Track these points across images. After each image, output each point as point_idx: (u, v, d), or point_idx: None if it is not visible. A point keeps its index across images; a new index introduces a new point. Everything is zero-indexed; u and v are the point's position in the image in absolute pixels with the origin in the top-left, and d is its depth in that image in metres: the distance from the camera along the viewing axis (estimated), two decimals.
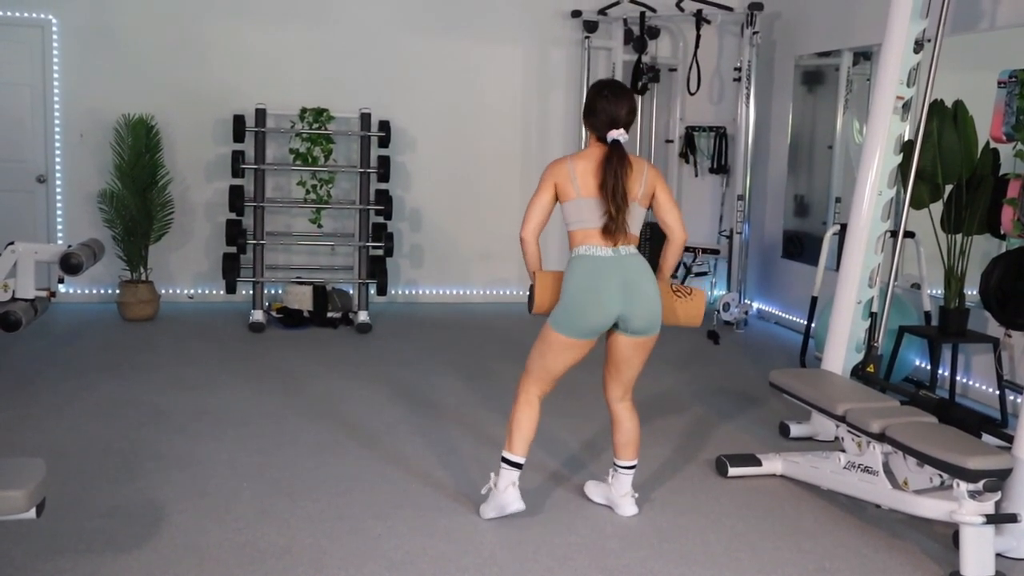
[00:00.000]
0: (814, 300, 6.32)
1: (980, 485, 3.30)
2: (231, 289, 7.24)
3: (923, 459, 3.48)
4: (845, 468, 3.90)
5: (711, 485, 4.25)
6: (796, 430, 4.90)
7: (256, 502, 3.87)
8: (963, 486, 3.33)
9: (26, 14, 7.39)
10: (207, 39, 7.73)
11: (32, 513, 2.75)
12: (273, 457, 4.40)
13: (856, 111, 7.37)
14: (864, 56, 7.32)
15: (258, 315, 7.11)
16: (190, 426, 4.80)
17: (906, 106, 4.82)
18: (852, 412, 3.85)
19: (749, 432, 5.02)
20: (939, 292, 5.61)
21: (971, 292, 5.37)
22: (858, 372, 4.88)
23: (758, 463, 4.32)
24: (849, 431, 3.91)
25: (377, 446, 4.60)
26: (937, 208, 5.37)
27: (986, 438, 4.23)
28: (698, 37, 7.91)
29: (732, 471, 4.30)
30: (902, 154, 4.88)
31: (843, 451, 4.01)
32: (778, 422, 5.08)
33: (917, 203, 5.23)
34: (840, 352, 4.85)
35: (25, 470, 2.79)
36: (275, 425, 4.86)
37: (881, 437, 3.67)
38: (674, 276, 8.64)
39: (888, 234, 5.02)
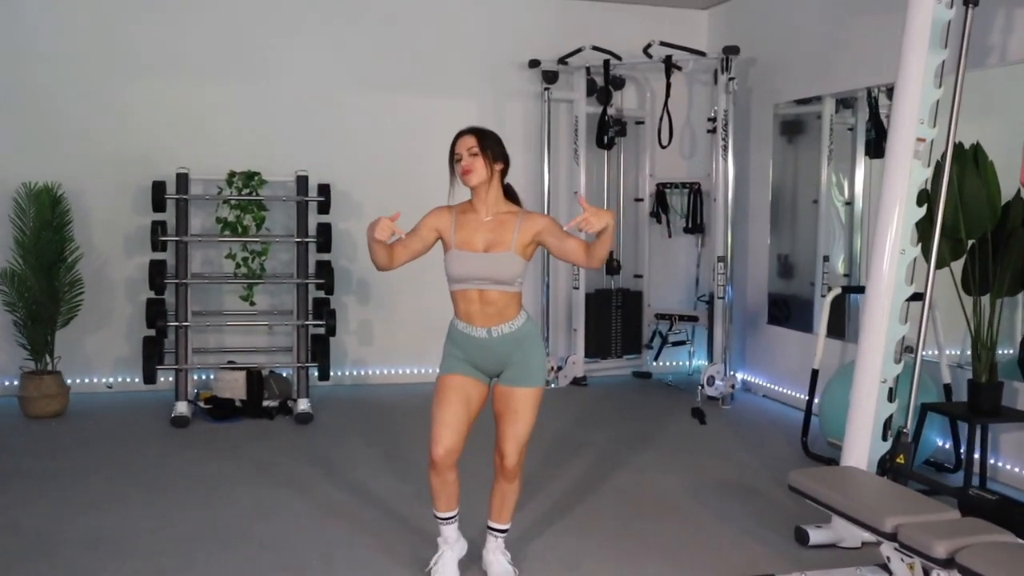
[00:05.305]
0: (815, 373, 5.57)
1: None
2: (149, 379, 6.32)
3: None
4: None
5: None
6: (816, 536, 4.09)
7: None
8: None
9: None
10: (123, 96, 6.93)
11: None
12: None
13: (838, 165, 6.75)
14: (843, 104, 6.72)
15: (182, 407, 6.20)
16: (77, 560, 3.87)
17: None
18: (906, 529, 3.06)
19: (758, 538, 4.20)
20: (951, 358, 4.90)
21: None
22: (886, 465, 4.11)
23: None
24: (900, 551, 3.11)
25: None
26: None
27: None
28: (668, 85, 7.26)
29: None
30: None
31: (888, 573, 3.21)
32: (789, 522, 4.28)
33: (938, 261, 4.52)
34: (864, 442, 4.08)
35: None
36: (183, 555, 3.95)
37: (950, 563, 2.88)
38: (649, 346, 7.97)
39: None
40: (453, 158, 3.52)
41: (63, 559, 3.89)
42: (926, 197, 4.19)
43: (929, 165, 4.14)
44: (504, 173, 3.56)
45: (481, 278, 3.45)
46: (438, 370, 3.61)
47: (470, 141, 3.49)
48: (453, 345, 3.58)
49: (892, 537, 3.11)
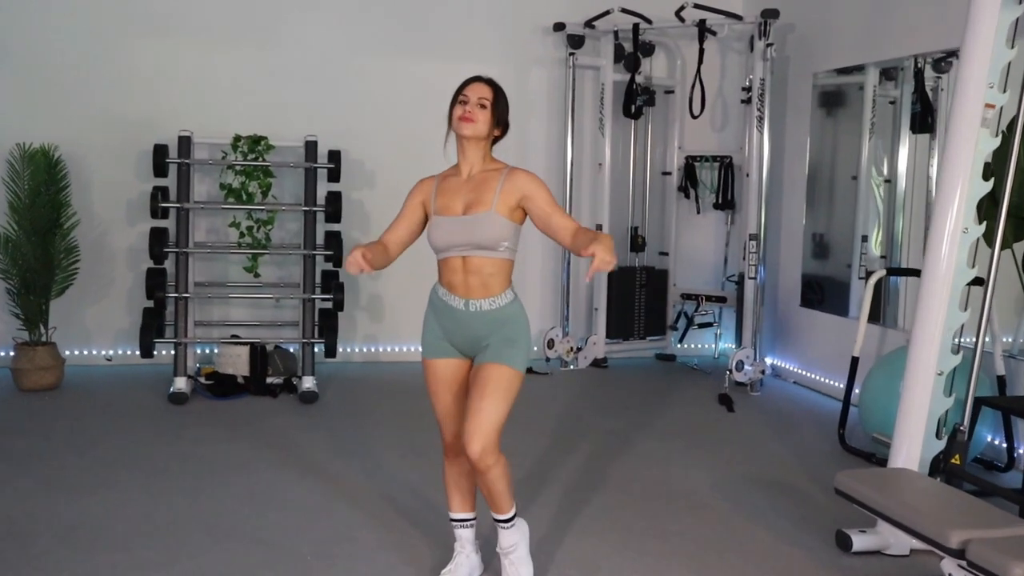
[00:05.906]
0: (855, 361, 5.19)
1: None
2: (146, 352, 6.00)
3: None
4: None
5: None
6: (859, 542, 3.71)
7: None
8: None
9: None
10: (124, 54, 6.58)
11: None
12: None
13: (879, 140, 6.32)
14: (886, 75, 6.28)
15: (180, 383, 5.88)
16: (52, 550, 3.56)
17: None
18: (976, 546, 2.68)
19: (794, 541, 3.84)
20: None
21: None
22: (940, 465, 3.73)
23: None
24: (967, 570, 2.74)
25: None
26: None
27: None
28: (701, 51, 6.83)
29: None
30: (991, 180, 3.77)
31: None
32: (827, 523, 3.93)
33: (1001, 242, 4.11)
34: (916, 441, 3.69)
35: None
36: (166, 546, 3.63)
37: None
38: (674, 328, 7.61)
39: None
40: (457, 99, 3.18)
41: (37, 549, 3.57)
42: (989, 171, 3.78)
43: (997, 135, 3.74)
44: (496, 140, 3.27)
45: (462, 244, 3.10)
46: (421, 347, 3.28)
47: (485, 91, 3.18)
48: (432, 313, 3.26)
49: (959, 554, 2.74)
